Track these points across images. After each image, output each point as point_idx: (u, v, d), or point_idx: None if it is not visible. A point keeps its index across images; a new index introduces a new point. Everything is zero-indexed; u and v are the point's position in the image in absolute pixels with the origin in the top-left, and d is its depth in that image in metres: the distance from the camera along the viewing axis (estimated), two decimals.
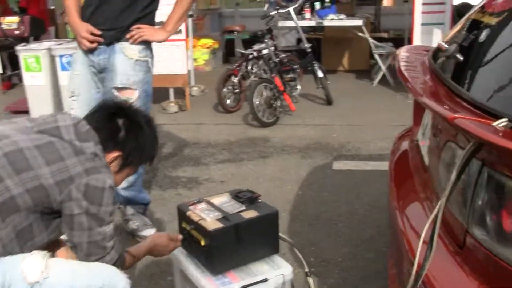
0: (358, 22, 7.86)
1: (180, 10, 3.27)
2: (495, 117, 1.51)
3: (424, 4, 6.65)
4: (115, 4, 3.11)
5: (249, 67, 6.63)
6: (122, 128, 2.00)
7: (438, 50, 2.43)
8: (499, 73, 1.74)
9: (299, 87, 6.69)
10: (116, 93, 3.12)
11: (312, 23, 8.08)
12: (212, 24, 10.45)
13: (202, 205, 2.36)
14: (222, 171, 4.54)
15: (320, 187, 4.12)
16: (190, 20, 7.16)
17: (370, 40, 7.77)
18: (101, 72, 3.20)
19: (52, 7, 10.02)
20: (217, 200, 2.39)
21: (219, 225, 2.19)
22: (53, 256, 1.88)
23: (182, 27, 6.00)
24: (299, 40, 8.81)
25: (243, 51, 6.87)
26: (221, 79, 6.41)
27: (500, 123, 1.46)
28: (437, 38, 6.62)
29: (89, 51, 3.16)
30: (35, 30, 7.89)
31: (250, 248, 2.24)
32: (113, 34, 3.12)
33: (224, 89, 6.40)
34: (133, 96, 3.13)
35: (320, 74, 6.56)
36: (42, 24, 8.32)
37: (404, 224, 2.02)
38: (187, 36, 6.86)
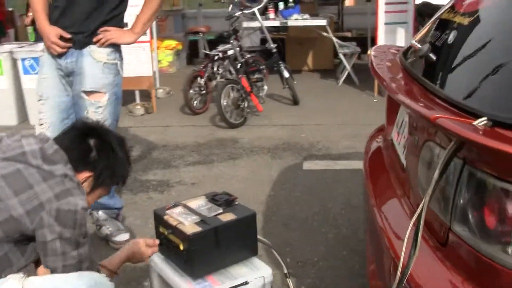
0: (322, 22, 7.92)
1: (149, 11, 3.23)
2: (473, 115, 1.54)
3: (387, 3, 6.74)
4: (82, 7, 3.06)
5: (215, 68, 6.61)
6: (93, 148, 2.00)
7: (409, 49, 2.47)
8: (473, 72, 1.77)
9: (265, 87, 6.71)
10: (84, 96, 3.07)
11: (277, 23, 8.10)
12: (175, 25, 10.38)
13: (179, 209, 2.34)
14: (193, 173, 4.51)
15: (292, 187, 4.13)
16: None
17: (335, 39, 7.83)
18: (69, 76, 3.14)
19: (10, 9, 9.79)
20: (193, 204, 2.38)
21: (198, 228, 2.17)
22: (35, 273, 1.84)
23: None
24: (262, 40, 8.83)
25: (208, 52, 6.84)
26: (187, 81, 6.37)
27: (480, 122, 1.48)
28: (401, 37, 6.74)
29: (56, 54, 3.09)
30: None
31: (229, 251, 2.23)
32: (81, 38, 3.07)
33: (191, 91, 6.36)
34: (102, 100, 3.09)
35: (286, 74, 6.58)
36: (2, 27, 8.14)
37: (383, 221, 2.04)
38: (152, 37, 6.80)
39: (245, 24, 7.86)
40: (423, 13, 7.73)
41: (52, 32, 3.03)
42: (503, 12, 1.85)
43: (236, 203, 2.38)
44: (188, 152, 5.07)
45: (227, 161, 4.80)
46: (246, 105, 5.95)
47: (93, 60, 3.08)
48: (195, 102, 6.41)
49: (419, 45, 2.17)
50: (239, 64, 6.26)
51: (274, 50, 6.80)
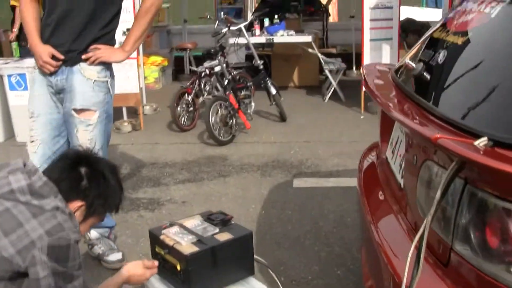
0: (308, 38, 7.96)
1: (139, 29, 3.21)
2: (471, 134, 1.56)
3: (372, 20, 6.78)
4: (74, 24, 3.04)
5: (202, 85, 6.61)
6: (84, 177, 1.98)
7: (401, 67, 2.49)
8: (471, 91, 1.79)
9: (253, 104, 6.69)
10: (75, 114, 3.05)
11: (263, 39, 8.11)
12: (161, 41, 10.37)
13: (175, 229, 2.33)
14: (183, 191, 4.49)
15: (283, 205, 4.12)
16: None
17: (320, 56, 7.87)
18: (59, 93, 3.12)
19: None
20: (189, 223, 2.37)
21: (195, 248, 2.16)
22: None
23: None
24: (247, 57, 8.85)
25: (195, 69, 6.84)
26: (174, 98, 6.35)
27: (481, 142, 1.49)
28: (387, 53, 6.80)
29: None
30: None
31: (226, 271, 2.23)
32: (72, 55, 3.05)
33: (178, 108, 6.34)
34: (92, 118, 3.07)
35: (273, 91, 6.57)
36: None
37: (380, 237, 2.05)
38: (138, 54, 6.79)
39: (231, 40, 7.88)
40: (407, 29, 7.81)
41: (45, 52, 3.01)
42: (496, 33, 1.88)
43: (232, 222, 2.38)
44: (178, 169, 5.04)
45: (217, 178, 4.78)
46: (234, 122, 5.95)
47: (83, 78, 3.06)
48: (183, 119, 6.40)
49: (413, 64, 2.19)
50: (226, 81, 6.26)
51: (261, 67, 6.82)
